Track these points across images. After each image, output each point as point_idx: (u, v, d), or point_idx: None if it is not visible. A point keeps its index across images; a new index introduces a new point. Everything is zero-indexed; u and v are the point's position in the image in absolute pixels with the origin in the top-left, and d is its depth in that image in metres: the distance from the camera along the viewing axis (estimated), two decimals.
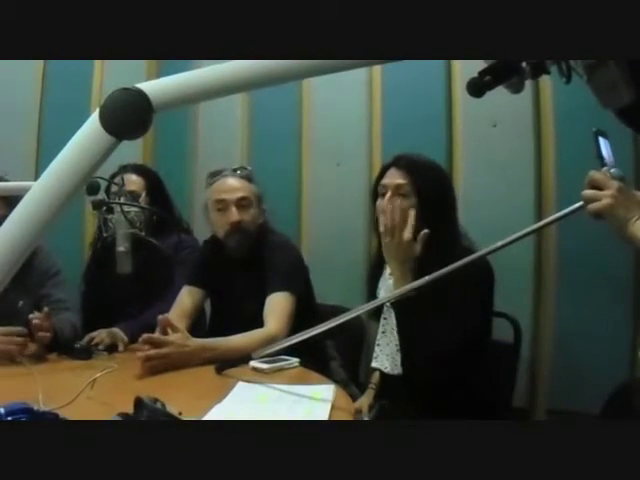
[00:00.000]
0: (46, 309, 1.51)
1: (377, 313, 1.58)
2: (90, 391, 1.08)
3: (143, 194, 1.99)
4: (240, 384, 1.22)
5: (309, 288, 1.83)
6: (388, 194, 1.44)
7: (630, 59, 0.60)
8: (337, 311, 1.51)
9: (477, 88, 0.64)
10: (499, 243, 1.10)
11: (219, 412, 1.03)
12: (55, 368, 1.45)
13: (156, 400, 0.84)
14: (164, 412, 0.82)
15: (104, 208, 1.28)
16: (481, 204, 2.10)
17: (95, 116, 0.60)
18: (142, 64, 2.68)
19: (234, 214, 1.69)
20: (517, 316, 1.70)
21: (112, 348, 1.63)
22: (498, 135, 2.18)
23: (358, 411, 1.51)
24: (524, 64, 0.62)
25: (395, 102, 2.38)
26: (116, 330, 1.69)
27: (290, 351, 1.40)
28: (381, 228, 1.41)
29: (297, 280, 1.71)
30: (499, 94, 0.66)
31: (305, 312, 1.65)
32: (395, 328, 1.43)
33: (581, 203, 1.00)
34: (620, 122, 0.72)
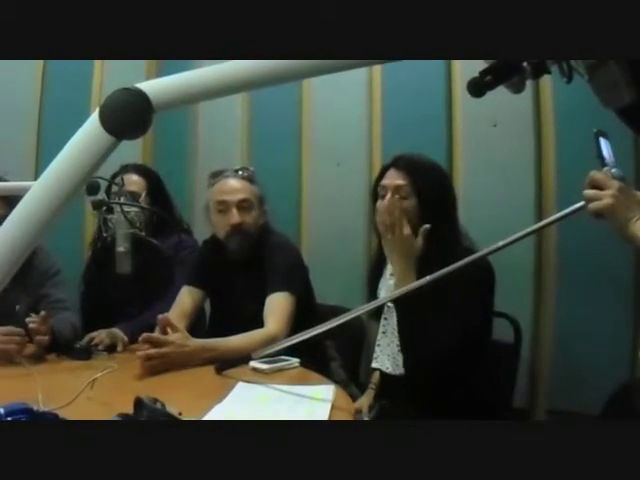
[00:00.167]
0: (43, 312, 1.50)
1: (377, 313, 1.58)
2: (90, 391, 1.08)
3: (143, 194, 1.98)
4: (240, 384, 1.22)
5: (309, 288, 1.82)
6: (388, 195, 1.44)
7: (631, 59, 0.60)
8: (337, 311, 1.51)
9: (478, 88, 0.63)
10: (500, 243, 1.10)
11: (219, 412, 1.03)
12: (55, 368, 1.45)
13: (156, 400, 0.84)
14: (164, 412, 0.82)
15: (104, 208, 1.28)
16: (481, 204, 2.10)
17: (95, 116, 0.60)
18: (142, 64, 2.67)
19: (235, 216, 1.69)
20: (517, 316, 1.70)
21: (112, 348, 1.63)
22: (498, 135, 2.18)
23: (358, 411, 1.51)
24: (525, 64, 0.62)
25: (395, 102, 2.38)
26: (116, 330, 1.69)
27: (290, 351, 1.40)
28: (381, 228, 1.41)
29: (297, 280, 1.71)
30: (499, 94, 0.66)
31: (305, 312, 1.65)
32: (396, 328, 1.43)
33: (582, 203, 1.00)
34: (621, 122, 0.72)
